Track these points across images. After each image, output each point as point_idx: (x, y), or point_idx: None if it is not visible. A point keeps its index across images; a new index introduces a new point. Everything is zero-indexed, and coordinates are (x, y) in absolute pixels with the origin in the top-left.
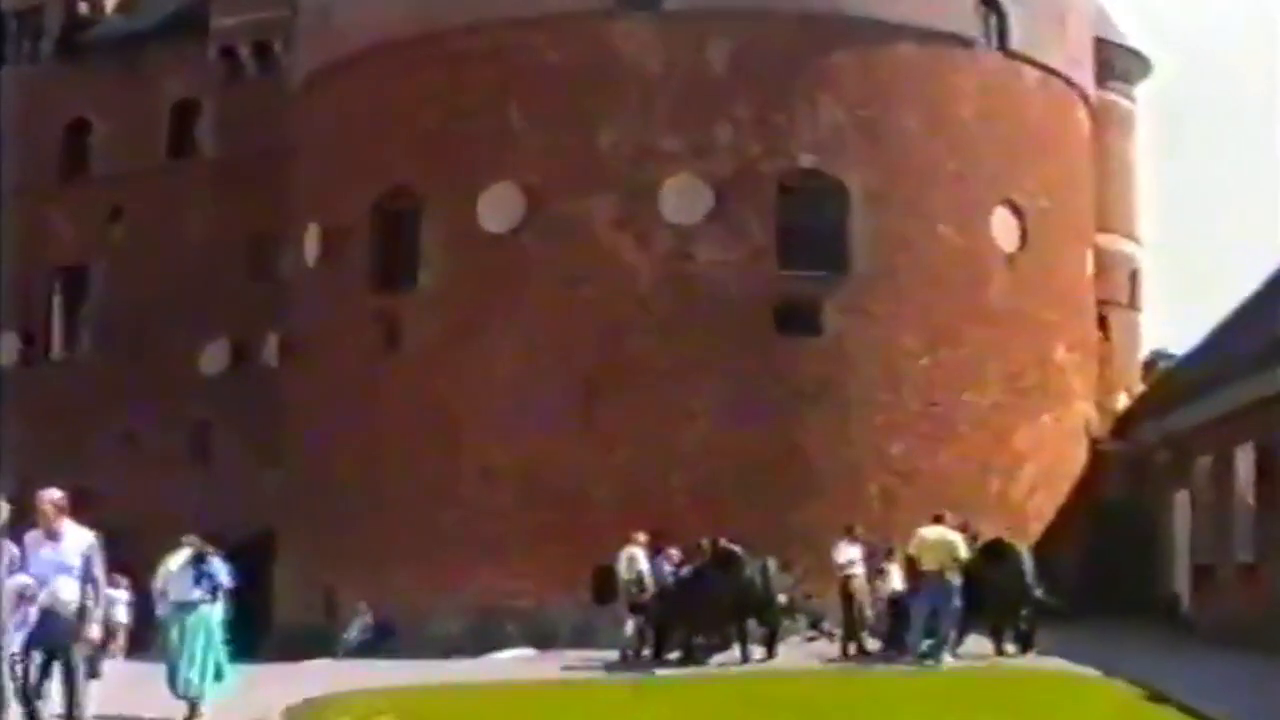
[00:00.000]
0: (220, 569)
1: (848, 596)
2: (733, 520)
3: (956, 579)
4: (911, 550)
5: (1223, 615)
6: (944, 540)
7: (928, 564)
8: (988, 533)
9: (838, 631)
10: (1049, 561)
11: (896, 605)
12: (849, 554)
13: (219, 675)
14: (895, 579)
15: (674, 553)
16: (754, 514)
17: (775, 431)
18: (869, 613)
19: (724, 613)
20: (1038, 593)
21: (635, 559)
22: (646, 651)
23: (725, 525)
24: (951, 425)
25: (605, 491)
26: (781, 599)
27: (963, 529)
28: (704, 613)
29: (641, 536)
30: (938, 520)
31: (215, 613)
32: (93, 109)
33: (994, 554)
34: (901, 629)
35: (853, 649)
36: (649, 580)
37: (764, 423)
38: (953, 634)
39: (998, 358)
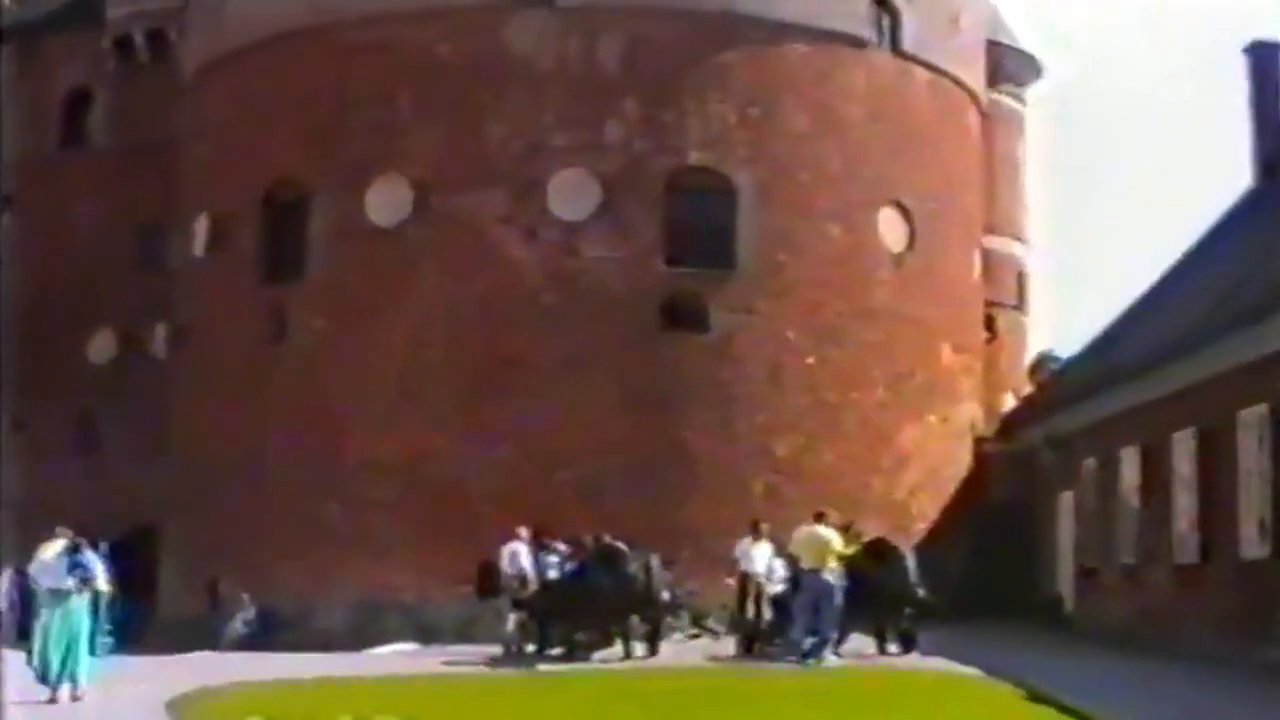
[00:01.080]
0: (93, 561)
1: (747, 595)
2: (617, 516)
3: (834, 577)
4: (791, 548)
5: (1105, 617)
6: (819, 538)
7: (806, 562)
8: (872, 532)
9: (720, 629)
10: (933, 561)
11: (779, 603)
12: (754, 552)
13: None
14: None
15: (561, 546)
16: (638, 510)
17: (660, 428)
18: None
19: (607, 609)
20: (921, 592)
21: (518, 554)
22: (530, 647)
23: (609, 521)
24: (836, 424)
25: (489, 486)
26: (664, 595)
27: (847, 528)
28: (587, 609)
29: (524, 531)
30: (819, 518)
31: (84, 603)
32: None
33: (877, 553)
34: (785, 627)
35: (753, 646)
36: (531, 576)
37: (649, 419)
38: (833, 632)
39: (884, 357)
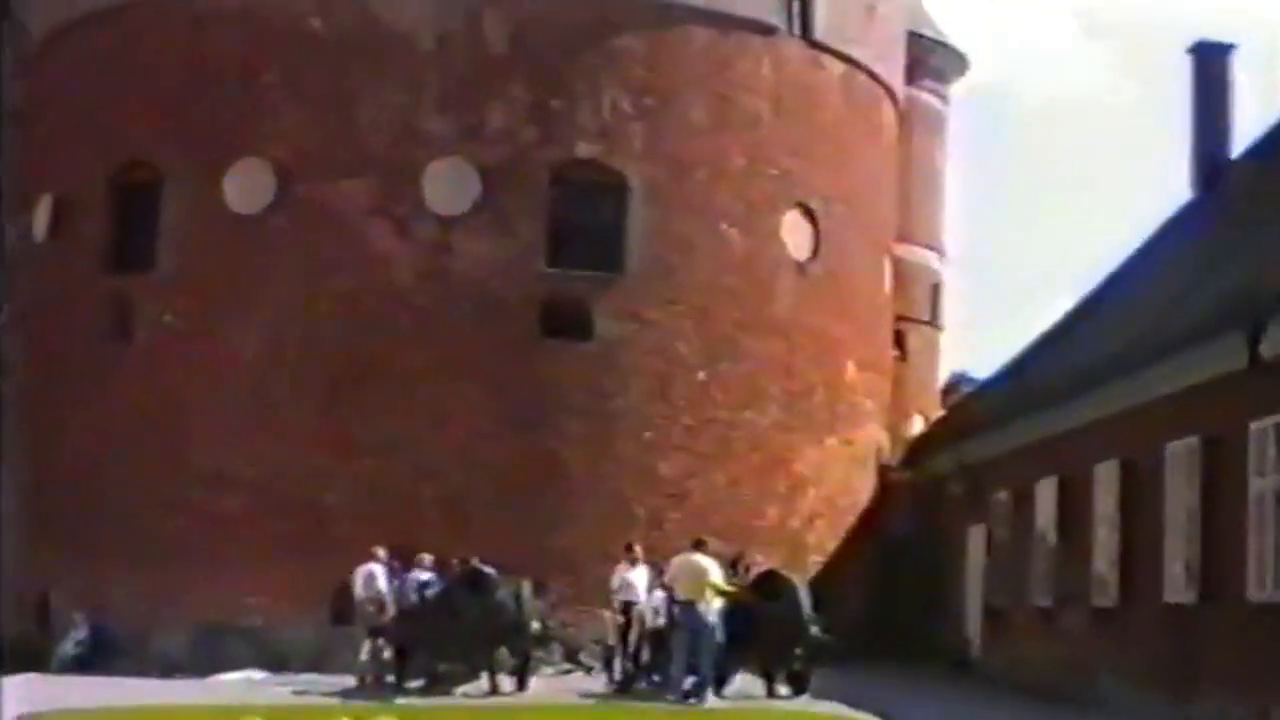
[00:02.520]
0: None
1: (626, 626)
2: (485, 538)
3: (710, 612)
4: (665, 579)
5: (1016, 663)
6: (696, 567)
7: (681, 593)
8: (763, 563)
9: (595, 664)
10: (829, 597)
11: (658, 637)
12: (629, 577)
13: None
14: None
15: (428, 559)
16: (509, 532)
17: (537, 443)
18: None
19: (472, 639)
20: (815, 630)
21: (374, 577)
22: (388, 678)
23: (477, 543)
24: (727, 445)
25: (348, 502)
26: (535, 626)
27: (737, 560)
28: (450, 638)
29: (381, 551)
30: (698, 546)
31: None
32: None
33: (768, 587)
34: (663, 663)
35: (630, 684)
36: (388, 600)
37: (524, 434)
38: (712, 671)
39: (782, 373)
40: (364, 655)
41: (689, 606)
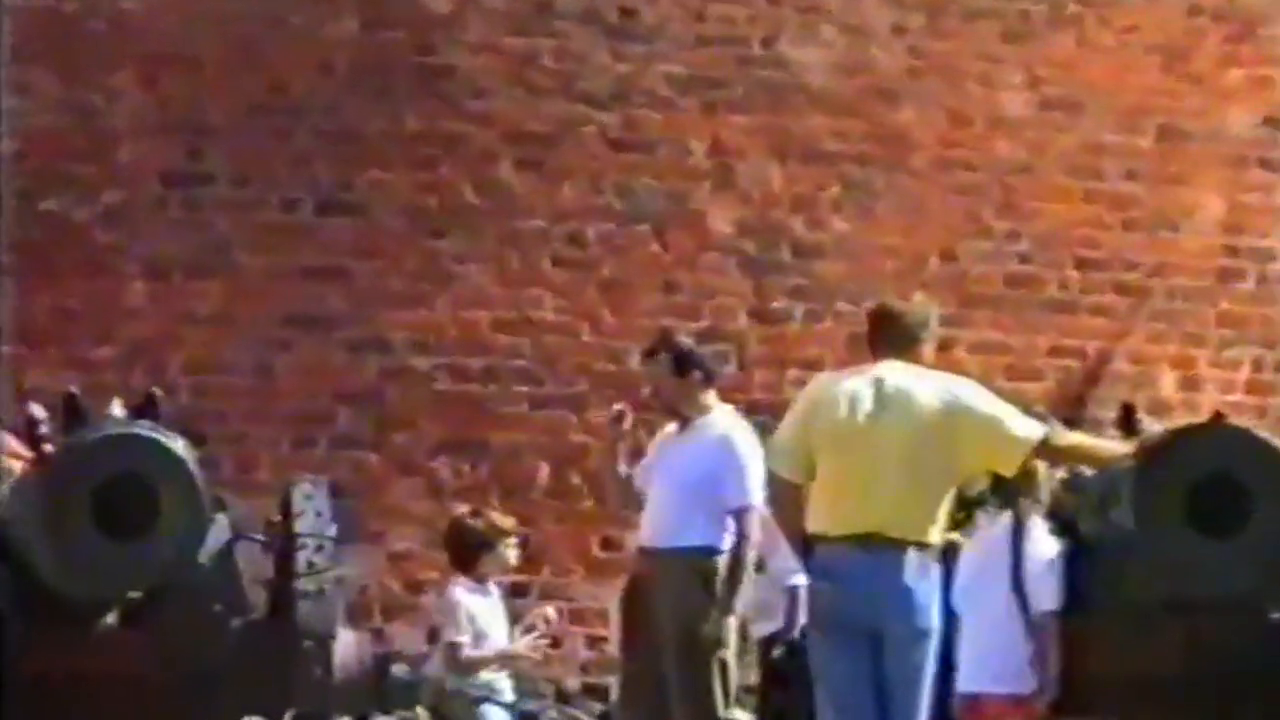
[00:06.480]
0: None
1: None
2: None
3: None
4: (777, 462)
5: None
6: (915, 423)
7: (837, 524)
8: (1180, 411)
9: None
10: None
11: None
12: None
13: None
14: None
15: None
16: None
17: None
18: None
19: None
20: None
21: None
22: None
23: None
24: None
25: None
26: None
27: (1084, 389)
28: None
29: None
30: (881, 340)
31: None
32: None
33: (1199, 473)
34: None
35: None
36: None
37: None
38: None
39: None
40: None
41: (885, 551)
